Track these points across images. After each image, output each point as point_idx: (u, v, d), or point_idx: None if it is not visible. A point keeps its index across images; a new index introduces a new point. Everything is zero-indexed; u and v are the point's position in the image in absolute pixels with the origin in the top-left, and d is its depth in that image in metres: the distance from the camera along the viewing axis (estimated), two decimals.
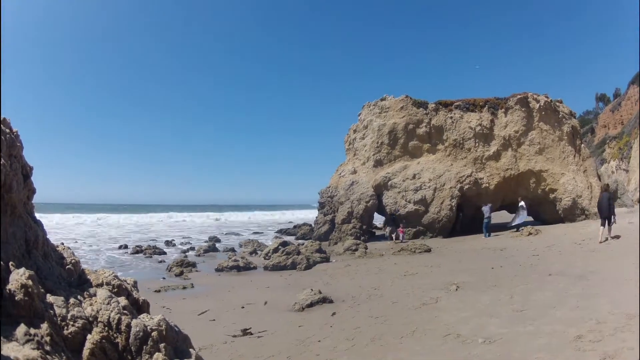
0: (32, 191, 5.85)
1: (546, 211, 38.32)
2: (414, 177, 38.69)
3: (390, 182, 39.09)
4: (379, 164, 41.08)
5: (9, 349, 3.53)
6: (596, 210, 27.04)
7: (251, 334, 12.46)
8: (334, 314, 14.02)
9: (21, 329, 3.91)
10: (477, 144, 39.24)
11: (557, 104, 40.33)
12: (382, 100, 43.01)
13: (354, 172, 42.46)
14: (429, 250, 27.60)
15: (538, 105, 38.96)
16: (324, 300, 15.71)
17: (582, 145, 40.61)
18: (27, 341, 3.84)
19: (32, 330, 4.01)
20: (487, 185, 38.19)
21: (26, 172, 5.59)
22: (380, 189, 39.51)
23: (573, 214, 36.41)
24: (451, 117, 40.25)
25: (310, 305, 15.34)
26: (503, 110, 39.86)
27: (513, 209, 40.13)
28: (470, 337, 9.91)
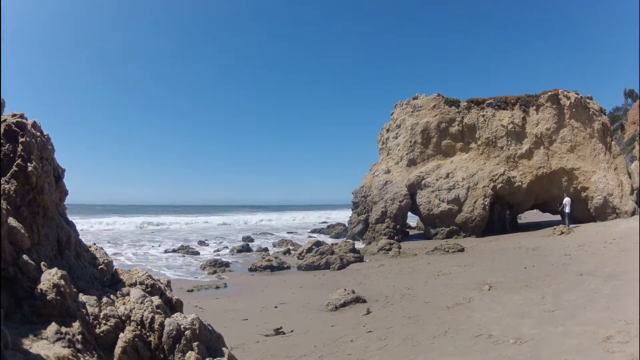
0: (64, 193, 5.91)
1: (578, 210, 37.72)
2: (447, 176, 38.44)
3: (423, 181, 38.88)
4: (412, 163, 40.88)
5: (38, 347, 3.56)
6: (627, 208, 26.74)
7: (283, 333, 12.46)
8: (367, 313, 13.96)
9: (52, 327, 3.94)
10: (509, 142, 38.78)
11: (587, 100, 39.69)
12: (414, 99, 42.80)
13: (388, 171, 42.33)
14: (462, 250, 27.36)
15: (569, 102, 38.37)
16: (357, 300, 15.66)
17: (613, 142, 39.91)
18: (58, 339, 3.87)
19: (64, 329, 4.04)
20: (520, 183, 37.70)
21: (58, 174, 5.64)
22: (413, 188, 39.32)
23: (604, 212, 35.84)
24: (483, 115, 39.87)
25: (344, 304, 15.31)
26: (534, 107, 39.35)
27: (545, 207, 39.74)
28: (501, 337, 9.80)
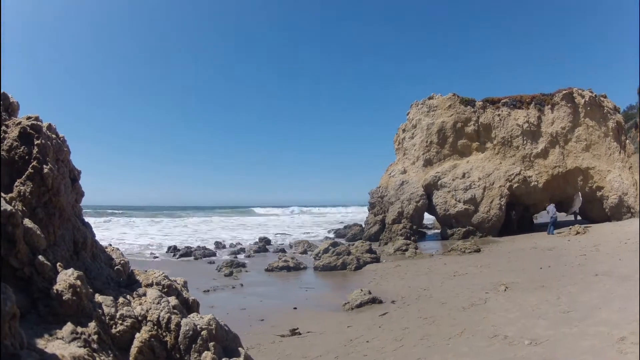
0: (80, 194, 5.95)
1: (593, 209, 37.39)
2: (463, 176, 38.29)
3: (440, 181, 38.75)
4: (428, 163, 40.76)
5: (54, 346, 3.58)
6: None
7: (299, 333, 12.48)
8: (383, 314, 13.96)
9: (67, 327, 3.97)
10: (525, 142, 38.53)
11: (602, 98, 39.33)
12: (429, 99, 42.65)
13: (404, 171, 42.24)
14: (478, 251, 27.19)
15: (583, 100, 38.05)
16: (374, 300, 15.65)
17: (627, 141, 39.56)
18: (74, 339, 3.90)
19: (79, 329, 4.07)
20: (536, 183, 37.45)
21: (74, 176, 5.69)
22: (430, 188, 39.21)
23: (619, 212, 35.56)
24: (499, 115, 39.64)
25: (360, 305, 15.31)
26: (549, 106, 39.08)
27: (561, 207, 39.51)
28: (517, 338, 9.76)
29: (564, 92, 38.78)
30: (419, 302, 15.15)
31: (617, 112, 39.69)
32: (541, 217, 50.04)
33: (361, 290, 16.38)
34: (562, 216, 39.61)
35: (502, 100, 40.30)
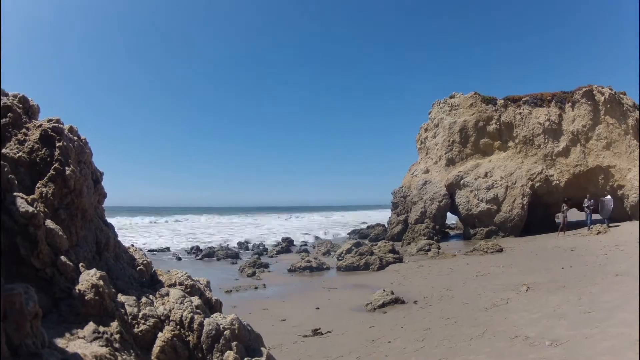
0: (103, 195, 5.99)
1: (614, 208, 37.12)
2: (485, 175, 37.98)
3: (462, 181, 38.49)
4: (450, 162, 40.55)
5: (75, 345, 3.61)
6: None
7: (321, 334, 12.48)
8: (405, 314, 13.94)
9: (89, 327, 4.00)
10: (546, 140, 38.09)
11: (621, 95, 38.66)
12: (451, 97, 42.48)
13: (427, 171, 42.09)
14: (500, 250, 26.97)
15: (603, 98, 37.40)
16: (396, 300, 15.61)
17: None
18: (95, 338, 3.92)
19: (101, 328, 4.09)
20: (558, 182, 36.97)
21: (96, 178, 5.73)
22: (452, 188, 38.99)
23: None
24: (520, 113, 39.26)
25: (382, 305, 15.28)
26: (570, 104, 38.53)
27: (581, 206, 39.14)
28: (538, 339, 9.67)
29: (584, 89, 38.29)
30: (441, 303, 15.08)
31: (637, 109, 39.11)
32: (557, 218, 49.64)
33: (384, 290, 16.36)
34: (583, 215, 39.23)
35: (523, 99, 39.93)
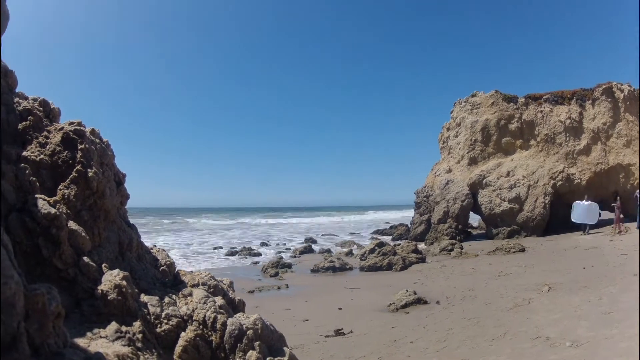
0: (126, 197, 6.05)
1: (634, 207, 36.54)
2: (507, 174, 37.57)
3: (484, 180, 38.12)
4: (473, 161, 40.20)
5: (97, 345, 3.63)
6: None
7: (343, 334, 12.46)
8: (427, 315, 13.89)
9: (112, 326, 4.04)
10: (567, 138, 37.48)
11: None
12: (472, 96, 42.19)
13: (449, 170, 41.84)
14: (523, 250, 26.69)
15: (622, 95, 36.64)
16: (419, 301, 15.53)
17: None
18: (118, 338, 3.95)
19: (124, 328, 4.13)
20: (579, 181, 36.34)
21: (119, 179, 5.78)
22: (475, 187, 38.66)
23: None
24: (541, 111, 38.74)
25: (405, 306, 15.22)
26: (590, 101, 37.91)
27: (603, 205, 38.64)
28: (558, 340, 9.60)
29: (604, 86, 37.67)
30: (464, 303, 15.00)
31: None
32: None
33: (406, 290, 16.30)
34: (606, 214, 38.79)
35: (544, 96, 39.40)
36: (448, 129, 44.61)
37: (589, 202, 32.81)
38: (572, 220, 32.90)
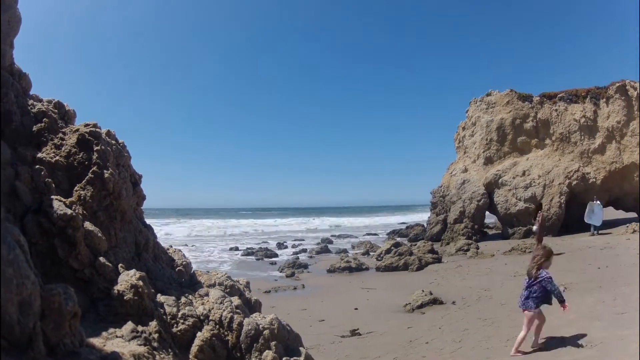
0: (142, 198, 6.07)
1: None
2: (523, 174, 37.29)
3: (500, 179, 37.87)
4: (489, 161, 39.95)
5: (113, 344, 3.65)
6: None
7: (359, 334, 12.43)
8: (443, 315, 13.85)
9: (128, 326, 4.05)
10: (582, 137, 37.09)
11: None
12: (487, 95, 41.98)
13: (465, 170, 41.62)
14: None
15: (636, 92, 36.06)
16: (435, 301, 15.46)
17: None
18: (134, 337, 3.97)
19: (140, 328, 4.14)
20: (594, 180, 35.92)
21: (135, 180, 5.81)
22: (491, 187, 38.40)
23: None
24: (556, 110, 38.35)
25: (421, 306, 15.15)
26: (604, 100, 37.37)
27: (617, 205, 38.31)
28: (573, 340, 9.61)
29: (617, 84, 37.15)
30: (480, 303, 14.92)
31: None
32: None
33: (422, 290, 16.24)
34: (621, 214, 38.48)
35: (559, 95, 39.02)
36: (464, 128, 44.40)
37: (597, 202, 32.42)
38: (585, 220, 32.49)
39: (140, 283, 4.46)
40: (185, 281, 6.07)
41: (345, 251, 36.57)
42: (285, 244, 43.35)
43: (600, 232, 30.92)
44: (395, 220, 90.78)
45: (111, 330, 3.92)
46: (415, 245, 30.22)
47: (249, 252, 35.33)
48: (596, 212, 31.84)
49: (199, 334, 4.90)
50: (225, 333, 5.09)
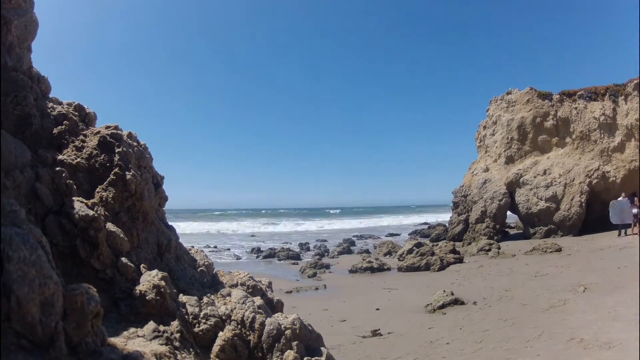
0: (164, 199, 6.11)
1: None
2: (544, 173, 36.92)
3: (521, 179, 37.54)
4: (510, 160, 39.59)
5: (134, 344, 3.66)
6: None
7: (380, 334, 12.38)
8: (464, 316, 13.80)
9: (149, 326, 4.07)
10: (602, 135, 36.60)
11: None
12: (507, 94, 41.59)
13: (486, 169, 41.33)
14: (559, 250, 26.14)
15: None
16: (456, 301, 15.36)
17: None
18: (155, 337, 3.98)
19: (162, 327, 4.16)
20: (614, 178, 35.44)
21: (157, 181, 5.85)
22: (512, 186, 38.06)
23: None
24: (576, 108, 37.93)
25: (442, 306, 15.07)
26: (622, 97, 36.89)
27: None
28: (592, 342, 9.48)
29: (635, 81, 36.65)
30: (500, 304, 14.81)
31: None
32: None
33: (444, 291, 16.16)
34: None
35: (578, 93, 38.60)
36: (484, 127, 44.14)
37: (626, 198, 31.68)
38: (611, 221, 31.65)
39: (163, 283, 4.48)
40: (207, 281, 6.08)
41: (367, 251, 36.40)
42: (307, 244, 43.34)
43: (627, 234, 29.67)
44: (418, 220, 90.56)
45: (132, 329, 3.94)
46: (437, 245, 30.12)
47: (271, 254, 35.37)
48: (624, 210, 31.13)
49: (220, 333, 4.90)
50: (247, 333, 5.10)
